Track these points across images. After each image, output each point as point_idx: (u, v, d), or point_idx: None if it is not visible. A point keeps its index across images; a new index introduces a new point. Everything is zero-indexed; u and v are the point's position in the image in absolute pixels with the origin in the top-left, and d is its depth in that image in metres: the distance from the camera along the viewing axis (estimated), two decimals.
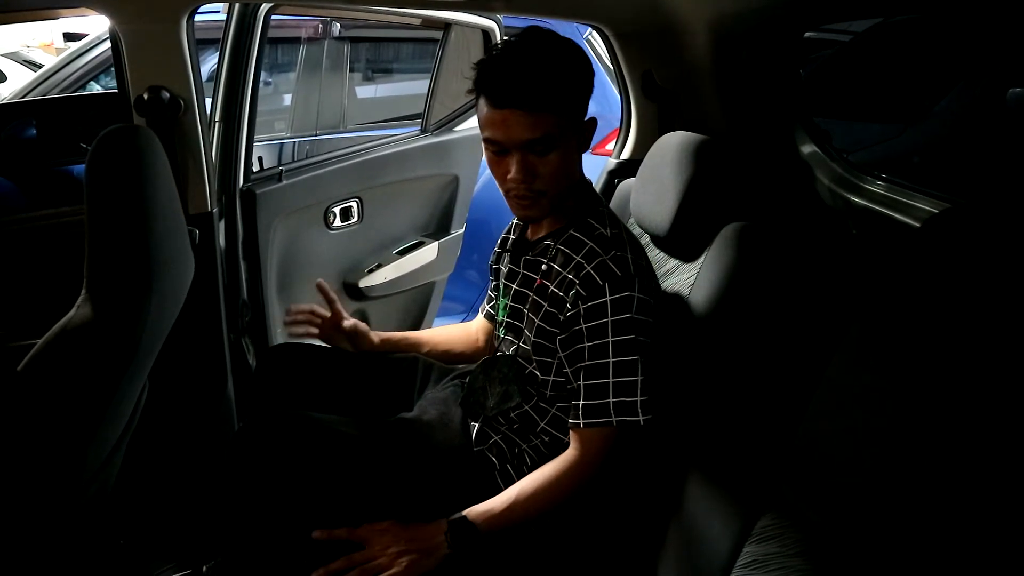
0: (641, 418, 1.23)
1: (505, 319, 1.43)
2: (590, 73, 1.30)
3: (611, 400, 1.24)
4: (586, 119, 1.32)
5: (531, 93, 1.20)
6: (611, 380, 1.24)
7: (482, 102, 1.25)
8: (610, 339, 1.23)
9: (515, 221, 1.52)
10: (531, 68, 1.21)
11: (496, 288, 1.57)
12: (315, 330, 1.62)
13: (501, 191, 1.31)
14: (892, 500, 0.90)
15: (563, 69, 1.24)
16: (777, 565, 0.95)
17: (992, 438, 0.83)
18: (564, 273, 1.30)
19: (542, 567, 1.31)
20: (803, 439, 1.03)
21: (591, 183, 1.42)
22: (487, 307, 1.66)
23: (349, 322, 1.63)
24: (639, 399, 1.23)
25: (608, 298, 1.24)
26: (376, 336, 1.65)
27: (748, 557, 0.99)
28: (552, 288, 1.31)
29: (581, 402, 1.26)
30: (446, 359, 1.68)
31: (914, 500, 0.88)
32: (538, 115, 1.21)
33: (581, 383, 1.26)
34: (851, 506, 0.95)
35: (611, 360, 1.23)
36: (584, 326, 1.25)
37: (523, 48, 1.24)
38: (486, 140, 1.27)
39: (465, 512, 1.26)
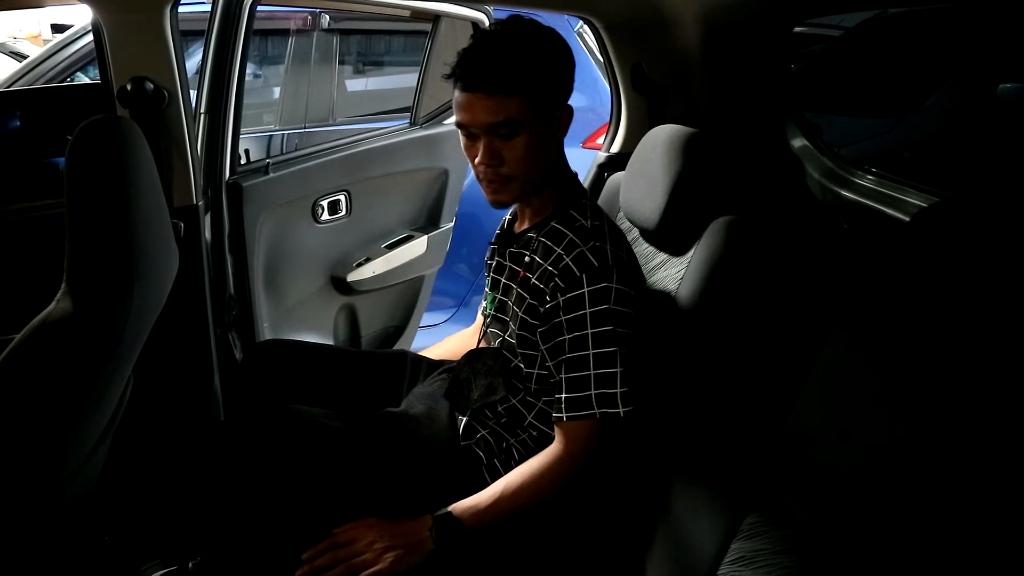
0: (621, 409, 1.23)
1: (492, 312, 1.42)
2: (567, 61, 1.31)
3: (593, 392, 1.23)
4: (560, 110, 1.31)
5: (493, 76, 1.22)
6: (592, 372, 1.23)
7: (455, 87, 1.26)
8: (589, 331, 1.23)
9: (507, 216, 1.52)
10: (497, 53, 1.23)
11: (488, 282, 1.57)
12: None
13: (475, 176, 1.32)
14: (880, 496, 0.90)
15: (532, 54, 1.25)
16: (764, 562, 0.95)
17: (982, 433, 0.83)
18: (545, 265, 1.29)
19: (530, 565, 1.31)
20: (792, 435, 1.03)
21: (576, 175, 1.41)
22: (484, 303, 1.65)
23: None
24: (619, 391, 1.23)
25: (586, 289, 1.23)
26: None
27: (736, 553, 0.99)
28: (533, 280, 1.31)
29: (563, 395, 1.25)
30: None
31: (903, 496, 0.88)
32: (501, 98, 1.22)
33: (563, 376, 1.26)
34: (839, 502, 0.94)
35: (591, 352, 1.23)
36: (564, 318, 1.25)
37: (496, 35, 1.27)
38: (457, 124, 1.29)
39: (451, 508, 1.25)
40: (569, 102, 1.33)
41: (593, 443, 1.26)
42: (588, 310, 1.23)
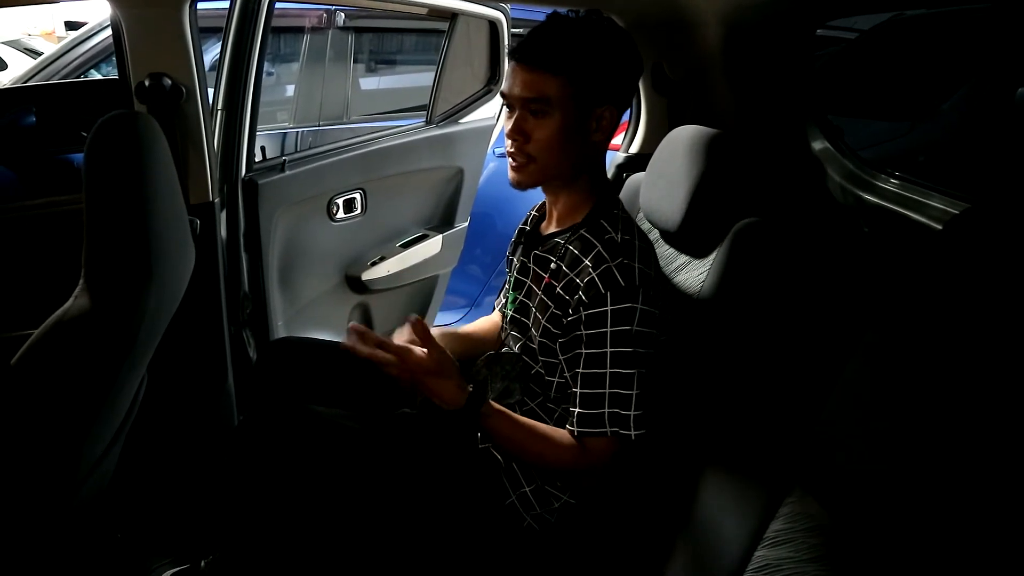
0: (633, 432, 1.21)
1: (512, 313, 1.41)
2: (627, 64, 1.29)
3: (606, 411, 1.21)
4: (603, 109, 1.27)
5: (537, 51, 1.22)
6: (607, 391, 1.21)
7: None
8: (608, 349, 1.21)
9: (533, 212, 1.50)
10: (549, 31, 1.23)
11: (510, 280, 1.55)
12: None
13: None
14: (909, 507, 0.88)
15: (588, 43, 1.23)
16: (790, 570, 0.93)
17: (1018, 446, 0.81)
18: (571, 275, 1.27)
19: (554, 569, 1.29)
20: (819, 442, 1.01)
21: (611, 184, 1.39)
22: (503, 300, 1.64)
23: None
24: (633, 413, 1.21)
25: (609, 308, 1.21)
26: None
27: (760, 562, 0.97)
28: (558, 289, 1.28)
29: (577, 410, 1.24)
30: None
31: (932, 508, 0.86)
32: (540, 74, 1.22)
33: (578, 390, 1.24)
34: (867, 512, 0.92)
35: (608, 371, 1.21)
36: (584, 332, 1.23)
37: (562, 17, 1.26)
38: (500, 93, 1.30)
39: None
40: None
41: (607, 459, 1.24)
42: (610, 328, 1.21)
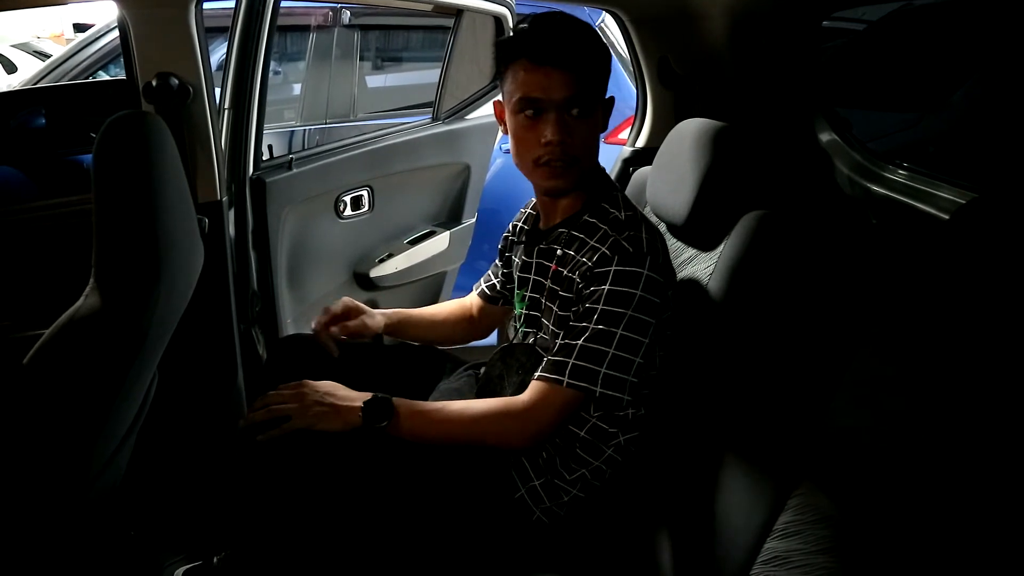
0: (598, 389, 1.19)
1: (523, 312, 1.41)
2: (609, 54, 1.32)
3: (572, 362, 1.20)
4: (608, 99, 1.33)
5: (573, 52, 1.22)
6: (581, 343, 1.20)
7: (518, 66, 1.25)
8: (600, 306, 1.20)
9: (528, 210, 1.50)
10: (569, 31, 1.24)
11: (497, 268, 1.60)
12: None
13: (527, 163, 1.29)
14: (920, 498, 0.88)
15: (592, 38, 1.26)
16: (799, 562, 0.93)
17: None
18: (578, 257, 1.27)
19: (564, 562, 1.30)
20: (828, 434, 1.01)
21: (604, 169, 1.40)
22: (483, 285, 1.65)
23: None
24: (603, 370, 1.19)
25: (614, 268, 1.21)
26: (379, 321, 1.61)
27: (770, 553, 0.97)
28: (566, 272, 1.29)
29: (550, 356, 1.24)
30: (441, 339, 1.68)
31: (943, 499, 0.86)
32: (577, 75, 1.22)
33: (559, 340, 1.24)
34: (877, 503, 0.92)
35: (592, 326, 1.20)
36: (586, 290, 1.23)
37: (555, 16, 1.26)
38: (522, 101, 1.25)
39: (394, 397, 1.26)
40: None
41: (553, 411, 1.23)
42: (608, 287, 1.20)
